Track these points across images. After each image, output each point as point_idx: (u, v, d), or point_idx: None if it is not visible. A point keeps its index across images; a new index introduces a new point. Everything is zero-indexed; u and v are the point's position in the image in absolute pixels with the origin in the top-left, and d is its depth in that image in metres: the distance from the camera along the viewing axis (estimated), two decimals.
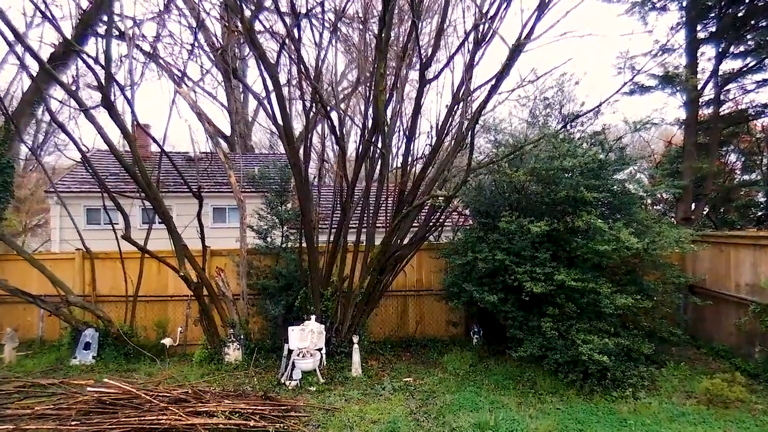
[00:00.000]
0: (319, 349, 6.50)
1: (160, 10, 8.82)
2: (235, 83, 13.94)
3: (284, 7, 6.09)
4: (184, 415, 4.73)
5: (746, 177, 11.87)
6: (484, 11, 5.15)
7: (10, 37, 5.09)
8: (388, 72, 6.48)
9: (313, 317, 6.66)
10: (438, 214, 6.79)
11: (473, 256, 6.42)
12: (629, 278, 6.32)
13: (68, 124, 15.31)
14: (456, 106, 6.50)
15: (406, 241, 7.03)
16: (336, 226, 6.85)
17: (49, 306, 6.90)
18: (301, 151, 6.65)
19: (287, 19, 5.79)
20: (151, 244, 7.56)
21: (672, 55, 8.38)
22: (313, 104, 6.02)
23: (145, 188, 5.58)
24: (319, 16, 5.76)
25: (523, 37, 5.06)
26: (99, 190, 10.91)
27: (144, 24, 8.36)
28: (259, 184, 8.32)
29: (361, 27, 6.71)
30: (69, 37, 6.77)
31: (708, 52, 8.50)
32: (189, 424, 4.62)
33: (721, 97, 8.74)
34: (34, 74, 8.00)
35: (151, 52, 7.59)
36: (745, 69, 8.17)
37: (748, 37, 7.89)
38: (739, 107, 9.16)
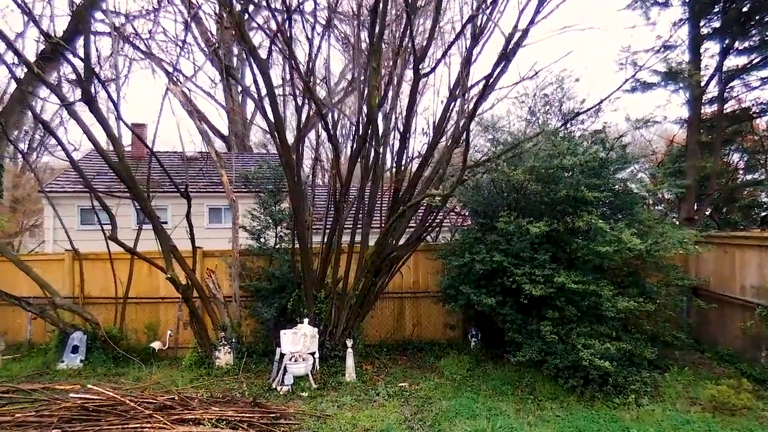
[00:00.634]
0: (312, 353, 6.32)
1: (154, 7, 8.65)
2: (234, 84, 13.78)
3: (276, 2, 5.94)
4: (169, 423, 4.55)
5: (749, 177, 11.68)
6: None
7: None
8: (384, 71, 6.33)
9: (306, 320, 6.48)
10: (434, 214, 6.60)
11: (470, 257, 6.24)
12: (631, 280, 6.14)
13: (66, 123, 15.12)
14: (453, 103, 6.33)
15: (401, 241, 6.85)
16: (330, 226, 6.67)
17: (35, 308, 6.73)
18: (297, 150, 6.47)
19: (278, 15, 5.61)
20: (145, 245, 7.39)
21: (674, 52, 8.22)
22: (305, 101, 5.83)
23: (130, 186, 5.40)
24: (311, 12, 5.59)
25: (522, 26, 4.86)
26: (104, 189, 10.81)
27: (136, 20, 8.14)
28: (252, 183, 8.12)
29: (355, 23, 6.53)
30: (62, 33, 6.63)
31: (711, 48, 8.35)
32: None
33: (725, 95, 8.54)
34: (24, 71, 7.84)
35: (144, 47, 7.40)
36: (749, 65, 7.98)
37: (753, 32, 7.71)
38: (743, 105, 8.97)
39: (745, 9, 7.46)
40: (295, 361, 6.02)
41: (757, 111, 8.59)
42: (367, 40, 5.36)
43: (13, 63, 6.47)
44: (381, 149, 6.39)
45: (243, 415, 4.82)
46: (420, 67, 5.11)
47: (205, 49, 11.89)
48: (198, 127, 7.35)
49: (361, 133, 5.83)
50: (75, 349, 6.99)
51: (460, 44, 6.00)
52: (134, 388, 5.62)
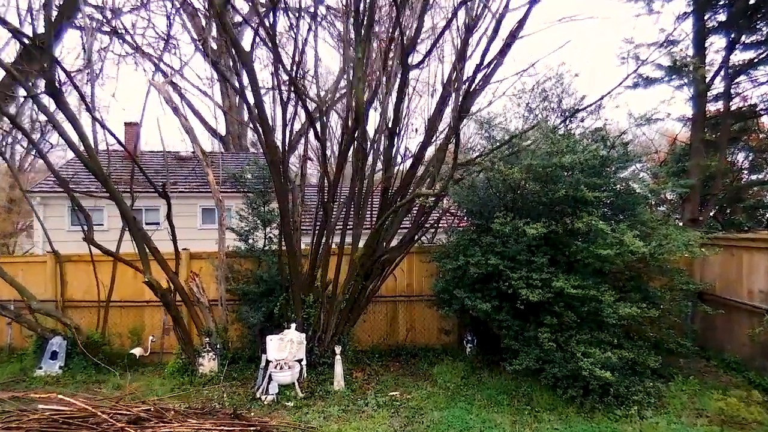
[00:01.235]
0: (299, 360, 6.04)
1: (142, 2, 8.39)
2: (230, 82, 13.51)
3: None
4: None
5: (754, 177, 11.37)
6: None
7: None
8: (375, 65, 6.05)
9: (293, 325, 6.20)
10: (426, 215, 6.31)
11: (465, 260, 5.96)
12: (633, 284, 5.85)
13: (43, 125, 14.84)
14: (447, 99, 6.06)
15: (393, 243, 6.57)
16: (319, 227, 6.39)
17: (10, 313, 6.46)
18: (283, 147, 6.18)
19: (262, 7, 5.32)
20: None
21: (678, 47, 7.91)
22: (290, 96, 5.56)
23: (103, 184, 5.13)
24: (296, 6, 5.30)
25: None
26: (83, 189, 10.54)
27: (124, 15, 7.89)
28: (240, 183, 7.85)
29: (346, 17, 6.25)
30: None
31: (717, 43, 8.03)
32: None
33: (731, 91, 8.23)
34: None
35: (131, 42, 7.14)
36: (756, 60, 7.67)
37: (761, 25, 7.41)
38: (749, 102, 8.67)
39: (752, 1, 7.16)
40: (281, 368, 5.74)
41: (764, 108, 8.29)
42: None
43: None
44: (375, 146, 6.13)
45: (221, 428, 4.54)
46: (409, 59, 4.82)
47: (201, 47, 11.64)
48: (183, 125, 7.08)
49: (349, 130, 5.54)
50: (54, 355, 6.73)
51: (455, 40, 5.72)
52: (109, 398, 5.33)
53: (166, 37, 6.91)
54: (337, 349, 6.13)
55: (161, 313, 7.37)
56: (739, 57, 7.99)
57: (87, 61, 5.02)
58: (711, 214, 11.00)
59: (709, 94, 8.24)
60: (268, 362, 5.92)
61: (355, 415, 5.24)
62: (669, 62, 7.49)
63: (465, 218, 7.43)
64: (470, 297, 5.89)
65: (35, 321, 6.75)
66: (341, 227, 6.87)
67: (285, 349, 5.89)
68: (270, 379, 5.77)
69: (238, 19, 10.00)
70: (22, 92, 7.54)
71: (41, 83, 7.09)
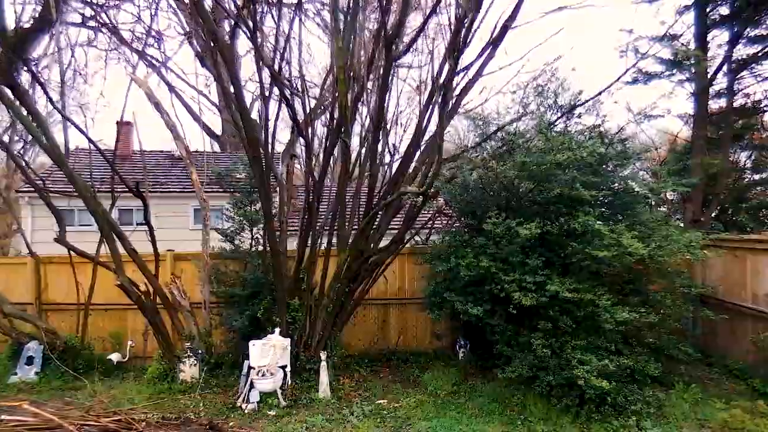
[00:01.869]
0: (283, 367, 5.77)
1: None
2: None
3: None
4: None
5: (757, 176, 11.10)
6: None
7: None
8: (360, 59, 5.80)
9: (277, 330, 5.94)
10: (416, 215, 6.05)
11: (456, 262, 5.69)
12: (632, 288, 5.59)
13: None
14: (438, 95, 5.80)
15: (382, 244, 6.31)
16: (304, 227, 6.13)
17: None
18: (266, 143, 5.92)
19: None
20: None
21: (679, 41, 7.62)
22: (272, 88, 5.31)
23: (68, 177, 4.87)
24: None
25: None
26: (71, 189, 10.31)
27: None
28: (226, 182, 7.60)
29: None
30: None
31: (719, 37, 7.75)
32: None
33: (735, 87, 7.96)
34: None
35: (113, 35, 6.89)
36: (761, 54, 7.40)
37: (766, 18, 7.13)
38: (753, 98, 8.38)
39: None
40: (263, 375, 5.48)
41: None
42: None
43: None
44: (362, 142, 5.89)
45: None
46: (391, 47, 4.57)
47: (188, 41, 11.39)
48: (166, 122, 6.82)
49: (335, 125, 5.29)
50: (30, 361, 6.47)
51: (446, 34, 5.47)
52: (79, 408, 5.07)
53: (148, 29, 6.65)
54: (323, 355, 5.87)
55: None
56: (743, 52, 7.74)
57: (57, 50, 4.75)
58: (713, 214, 10.73)
59: (711, 90, 7.97)
60: (250, 368, 5.66)
61: (339, 425, 4.98)
62: (670, 55, 7.22)
63: (457, 218, 7.17)
64: (461, 300, 5.63)
65: (9, 325, 6.50)
66: (329, 228, 6.62)
67: (268, 354, 5.62)
68: (251, 386, 5.51)
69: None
70: None
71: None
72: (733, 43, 7.54)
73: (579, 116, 6.40)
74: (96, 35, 8.62)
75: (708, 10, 7.47)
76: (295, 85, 6.01)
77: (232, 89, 4.98)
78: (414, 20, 7.22)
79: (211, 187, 11.67)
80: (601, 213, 5.70)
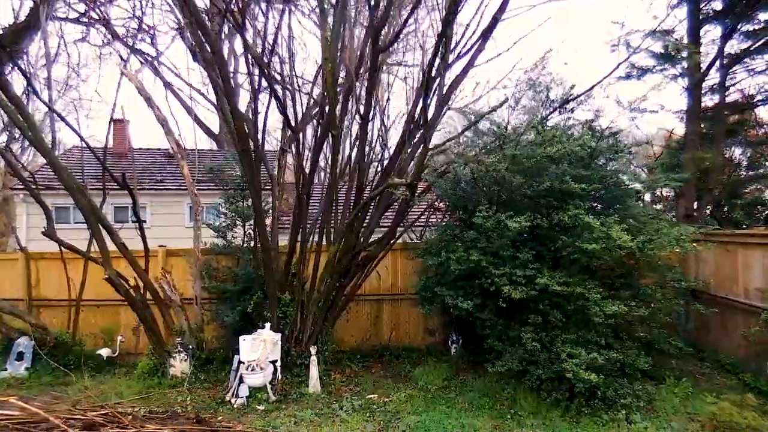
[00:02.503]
0: (273, 362, 5.75)
1: None
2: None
3: None
4: None
5: (752, 173, 11.07)
6: None
7: None
8: (349, 53, 5.77)
9: (267, 325, 5.91)
10: (405, 208, 6.03)
11: (447, 256, 5.67)
12: (623, 282, 5.57)
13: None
14: (425, 85, 5.77)
15: (373, 239, 6.29)
16: (295, 222, 6.11)
17: None
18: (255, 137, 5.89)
19: None
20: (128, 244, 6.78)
21: (673, 36, 7.58)
22: (261, 81, 5.28)
23: (52, 167, 4.85)
24: None
25: None
26: (59, 185, 10.27)
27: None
28: (218, 177, 7.57)
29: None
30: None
31: (712, 32, 7.71)
32: None
33: (727, 82, 7.94)
34: None
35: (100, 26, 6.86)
36: (753, 49, 7.37)
37: (759, 13, 7.10)
38: (747, 93, 8.35)
39: None
40: (252, 370, 5.45)
41: (762, 98, 7.99)
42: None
43: None
44: (361, 134, 5.80)
45: None
46: (377, 39, 4.53)
47: (190, 40, 11.35)
48: (156, 116, 6.79)
49: (324, 119, 5.27)
50: (20, 356, 6.45)
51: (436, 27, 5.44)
52: (66, 403, 5.05)
53: (139, 22, 6.62)
54: (313, 350, 5.85)
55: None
56: (736, 47, 7.70)
57: (42, 41, 4.72)
58: (708, 210, 10.71)
59: (704, 86, 7.94)
60: (240, 363, 5.64)
61: (328, 419, 4.96)
62: (661, 49, 7.18)
63: (449, 213, 7.15)
64: (452, 295, 5.61)
65: (0, 321, 6.47)
66: (321, 223, 6.60)
67: (258, 349, 5.60)
68: (241, 380, 5.49)
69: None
70: None
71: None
72: (725, 38, 7.51)
73: (572, 111, 6.40)
74: (89, 31, 8.61)
75: (701, 5, 7.46)
76: (286, 80, 5.99)
77: (220, 81, 4.95)
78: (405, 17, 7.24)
79: (206, 185, 11.63)
80: (592, 206, 5.70)
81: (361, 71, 5.84)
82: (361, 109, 5.15)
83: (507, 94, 6.57)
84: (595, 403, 4.85)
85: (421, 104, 4.64)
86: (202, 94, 16.58)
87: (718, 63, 7.74)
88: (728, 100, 8.34)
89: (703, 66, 7.55)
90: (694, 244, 5.20)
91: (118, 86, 6.74)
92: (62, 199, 12.46)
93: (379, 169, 7.10)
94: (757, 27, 7.27)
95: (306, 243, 6.29)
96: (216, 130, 18.96)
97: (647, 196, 10.94)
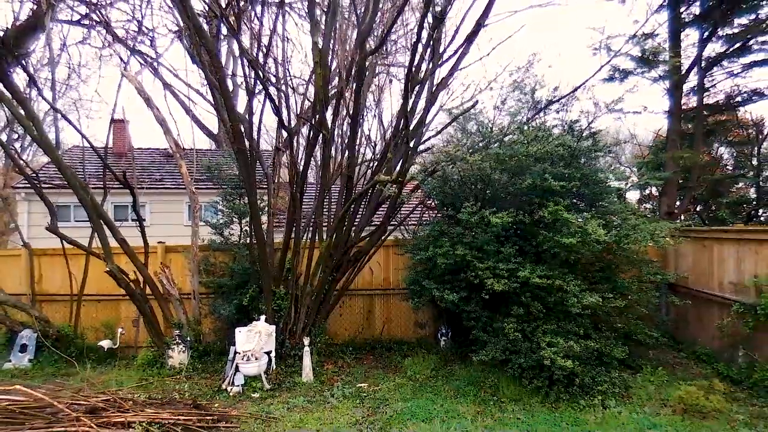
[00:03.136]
0: (268, 353, 6.00)
1: None
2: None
3: None
4: (95, 426, 4.24)
5: (738, 172, 11.34)
6: None
7: None
8: (339, 56, 6.01)
9: (262, 317, 6.17)
10: (394, 204, 6.27)
11: (434, 251, 5.92)
12: (602, 276, 5.82)
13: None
14: (418, 89, 6.03)
15: (364, 235, 6.53)
16: (288, 218, 6.35)
17: None
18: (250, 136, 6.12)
19: None
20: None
21: (656, 40, 7.85)
22: (255, 82, 5.52)
23: (55, 164, 5.08)
24: None
25: None
26: (61, 183, 10.49)
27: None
28: (215, 176, 7.81)
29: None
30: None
31: (693, 36, 7.99)
32: None
33: (706, 83, 8.19)
34: None
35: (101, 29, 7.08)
36: (731, 52, 7.64)
37: (735, 18, 7.35)
38: (726, 94, 8.61)
39: None
40: (248, 360, 5.70)
41: (740, 100, 8.25)
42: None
43: None
44: (351, 134, 6.03)
45: (179, 417, 4.51)
46: (364, 42, 4.78)
47: (186, 41, 11.57)
48: (156, 116, 7.03)
49: (316, 118, 5.51)
50: (23, 348, 6.68)
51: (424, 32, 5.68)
52: (70, 390, 5.29)
53: (139, 25, 6.85)
54: (306, 341, 6.10)
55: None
56: (716, 50, 7.95)
57: (47, 46, 4.96)
58: (696, 209, 10.99)
59: (686, 86, 8.20)
60: (236, 353, 5.89)
61: (320, 405, 5.21)
62: (639, 53, 7.44)
63: (438, 210, 7.39)
64: (439, 288, 5.86)
65: (4, 314, 6.71)
66: (314, 220, 6.84)
67: (253, 340, 5.85)
68: (237, 370, 5.74)
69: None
70: None
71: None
72: (704, 42, 7.77)
73: (558, 112, 6.65)
74: (89, 33, 8.83)
75: (681, 9, 7.71)
76: (281, 81, 6.23)
77: (218, 84, 5.18)
78: (397, 27, 7.52)
79: (204, 184, 11.88)
80: (574, 203, 5.94)
81: (351, 75, 6.08)
82: (350, 109, 5.38)
83: (494, 95, 6.84)
84: (573, 390, 5.10)
85: (404, 105, 4.85)
86: (201, 94, 16.78)
87: (697, 65, 7.98)
88: (709, 101, 8.60)
89: (685, 64, 7.81)
90: (668, 240, 5.46)
91: (119, 88, 7.01)
92: (63, 197, 12.69)
93: (371, 167, 7.34)
94: (735, 31, 7.51)
95: (300, 239, 6.53)
96: (214, 129, 19.17)
97: (636, 195, 11.22)
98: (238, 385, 5.62)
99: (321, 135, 5.11)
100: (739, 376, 5.47)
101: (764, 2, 6.92)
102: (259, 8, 5.31)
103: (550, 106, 6.46)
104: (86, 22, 8.51)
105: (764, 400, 4.97)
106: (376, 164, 6.34)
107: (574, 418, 4.75)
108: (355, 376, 6.16)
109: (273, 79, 6.18)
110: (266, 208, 7.11)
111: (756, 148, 9.34)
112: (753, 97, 7.90)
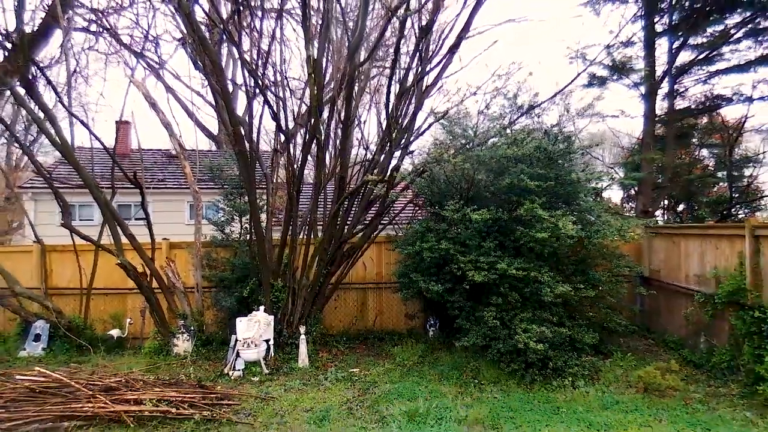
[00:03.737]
0: (267, 341, 6.45)
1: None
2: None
3: None
4: (110, 402, 4.69)
5: (720, 174, 11.83)
6: None
7: None
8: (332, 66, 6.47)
9: (261, 308, 6.62)
10: (382, 202, 6.73)
11: (420, 246, 6.38)
12: (576, 268, 6.29)
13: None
14: (410, 95, 6.49)
15: (357, 231, 6.98)
16: (285, 216, 6.80)
17: None
18: (250, 138, 6.58)
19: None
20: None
21: (634, 48, 8.34)
22: (256, 91, 5.97)
23: (73, 166, 5.53)
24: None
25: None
26: (72, 183, 10.92)
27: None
28: (217, 176, 8.27)
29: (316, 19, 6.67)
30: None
31: (663, 45, 8.48)
32: (112, 411, 4.58)
33: (678, 89, 8.69)
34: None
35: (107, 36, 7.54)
36: (701, 59, 8.12)
37: (706, 29, 7.84)
38: (694, 100, 9.09)
39: (697, 5, 7.59)
40: (248, 346, 6.15)
41: (710, 105, 8.73)
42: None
43: None
44: (342, 137, 6.48)
45: (185, 396, 4.95)
46: (354, 55, 5.24)
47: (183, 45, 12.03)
48: (161, 120, 7.48)
49: (312, 122, 5.97)
50: (37, 338, 7.12)
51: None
52: (85, 372, 5.74)
53: (146, 33, 7.31)
54: (302, 330, 6.55)
55: (142, 299, 7.76)
56: (687, 58, 8.44)
57: (63, 55, 5.40)
58: (679, 207, 11.46)
59: (661, 92, 8.68)
60: (237, 341, 6.34)
61: (314, 387, 5.66)
62: (610, 62, 7.94)
63: (426, 209, 7.86)
64: (425, 280, 6.32)
65: (19, 305, 7.14)
66: (310, 218, 7.30)
67: (252, 328, 6.30)
68: (237, 355, 6.19)
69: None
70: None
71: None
72: (677, 50, 8.26)
73: (538, 116, 7.12)
74: (97, 39, 9.28)
75: (656, 19, 8.19)
76: (278, 87, 6.69)
77: (219, 89, 5.63)
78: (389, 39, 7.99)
79: (206, 184, 12.32)
80: (550, 202, 6.40)
81: (343, 85, 6.54)
82: (342, 116, 5.85)
83: (480, 100, 7.30)
84: (546, 373, 5.57)
85: (387, 114, 5.31)
86: (202, 97, 17.26)
87: (668, 74, 8.47)
88: (684, 104, 9.10)
89: (659, 70, 8.30)
90: (633, 235, 5.93)
91: (126, 92, 7.47)
92: (69, 197, 13.07)
93: (365, 165, 7.80)
94: (703, 40, 8.00)
95: (297, 236, 6.98)
96: (215, 131, 19.64)
97: (619, 195, 11.68)
98: (239, 370, 6.08)
99: (315, 139, 5.56)
100: (700, 360, 5.94)
101: (727, 16, 7.41)
102: (258, 21, 5.76)
103: (531, 111, 6.93)
104: (94, 28, 8.98)
105: (720, 381, 5.44)
106: (368, 165, 6.79)
107: (546, 396, 5.21)
108: (347, 363, 6.61)
109: (271, 86, 6.65)
110: (265, 207, 7.56)
111: (728, 150, 9.83)
112: (720, 102, 8.38)
